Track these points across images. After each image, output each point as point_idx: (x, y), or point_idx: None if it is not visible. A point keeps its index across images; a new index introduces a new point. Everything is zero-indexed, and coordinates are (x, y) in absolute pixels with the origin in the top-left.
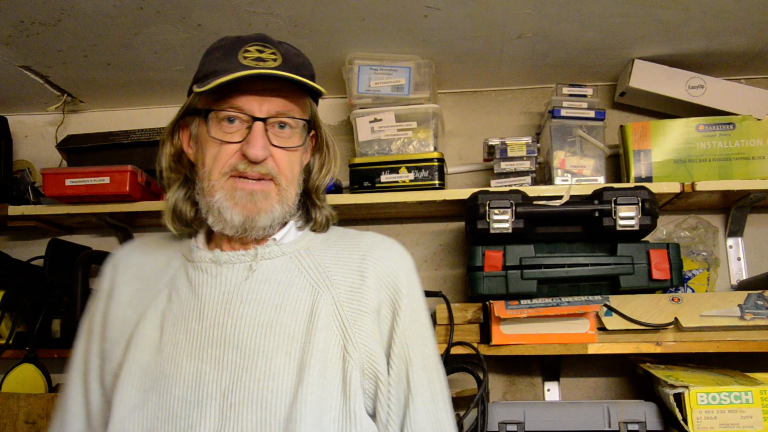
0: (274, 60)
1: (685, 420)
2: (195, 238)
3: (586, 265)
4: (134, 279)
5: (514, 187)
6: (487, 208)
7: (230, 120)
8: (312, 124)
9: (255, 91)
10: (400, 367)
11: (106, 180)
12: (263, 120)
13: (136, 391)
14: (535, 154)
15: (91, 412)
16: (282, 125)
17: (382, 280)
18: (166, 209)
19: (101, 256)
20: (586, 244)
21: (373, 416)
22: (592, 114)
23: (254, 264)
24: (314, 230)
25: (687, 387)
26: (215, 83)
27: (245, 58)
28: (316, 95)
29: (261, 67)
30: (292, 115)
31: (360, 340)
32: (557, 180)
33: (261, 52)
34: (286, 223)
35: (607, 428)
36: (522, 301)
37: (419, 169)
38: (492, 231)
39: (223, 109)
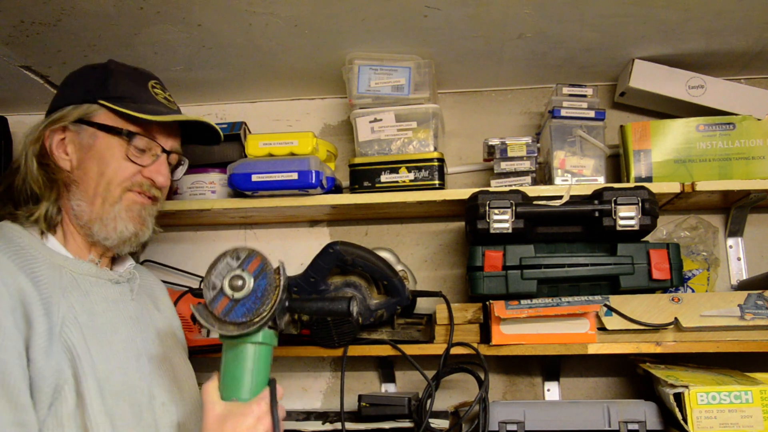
0: (173, 103)
1: (685, 420)
2: (47, 241)
3: (586, 265)
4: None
5: (514, 187)
6: (487, 208)
7: (142, 146)
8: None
9: (166, 127)
10: None
11: None
12: (168, 153)
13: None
14: (535, 154)
15: None
16: (181, 162)
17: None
18: (39, 214)
19: None
20: (586, 244)
21: None
22: (592, 114)
23: (134, 287)
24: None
25: (687, 387)
26: (163, 118)
27: (156, 94)
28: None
29: (170, 108)
30: (181, 153)
31: None
32: (557, 180)
33: (164, 91)
34: None
35: (607, 428)
36: (522, 301)
37: (419, 169)
38: (492, 231)
39: (145, 136)
